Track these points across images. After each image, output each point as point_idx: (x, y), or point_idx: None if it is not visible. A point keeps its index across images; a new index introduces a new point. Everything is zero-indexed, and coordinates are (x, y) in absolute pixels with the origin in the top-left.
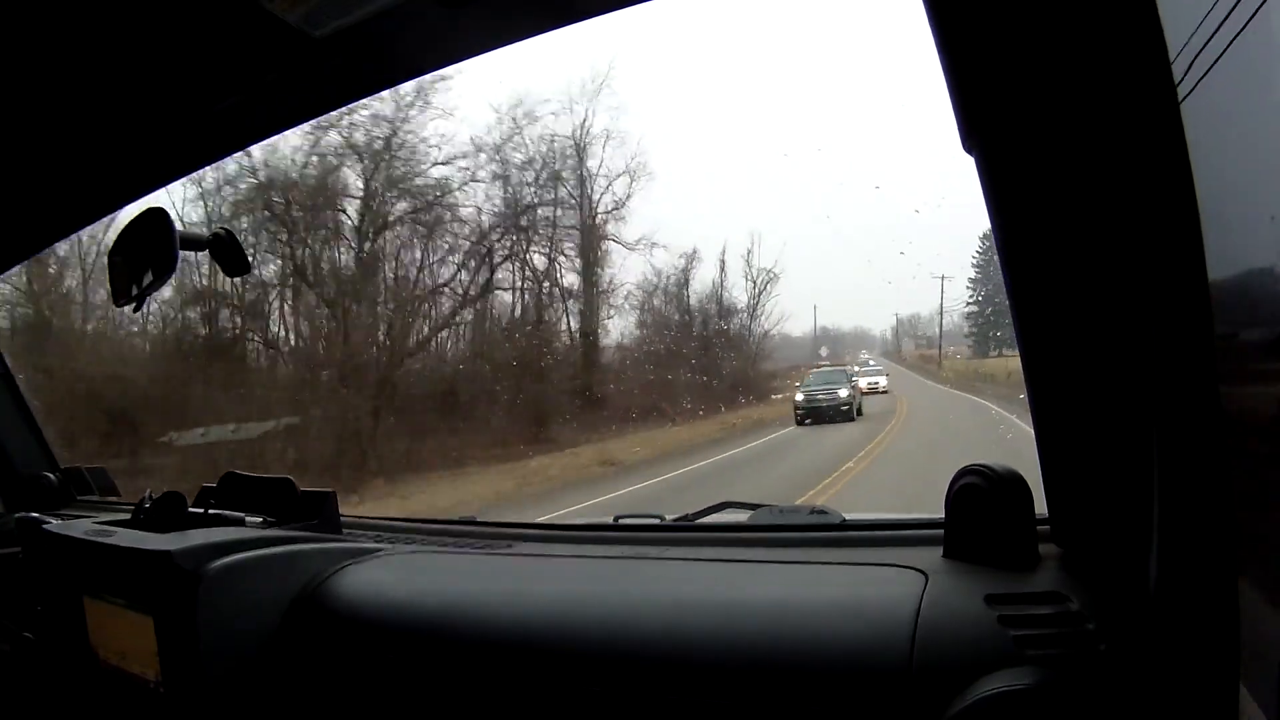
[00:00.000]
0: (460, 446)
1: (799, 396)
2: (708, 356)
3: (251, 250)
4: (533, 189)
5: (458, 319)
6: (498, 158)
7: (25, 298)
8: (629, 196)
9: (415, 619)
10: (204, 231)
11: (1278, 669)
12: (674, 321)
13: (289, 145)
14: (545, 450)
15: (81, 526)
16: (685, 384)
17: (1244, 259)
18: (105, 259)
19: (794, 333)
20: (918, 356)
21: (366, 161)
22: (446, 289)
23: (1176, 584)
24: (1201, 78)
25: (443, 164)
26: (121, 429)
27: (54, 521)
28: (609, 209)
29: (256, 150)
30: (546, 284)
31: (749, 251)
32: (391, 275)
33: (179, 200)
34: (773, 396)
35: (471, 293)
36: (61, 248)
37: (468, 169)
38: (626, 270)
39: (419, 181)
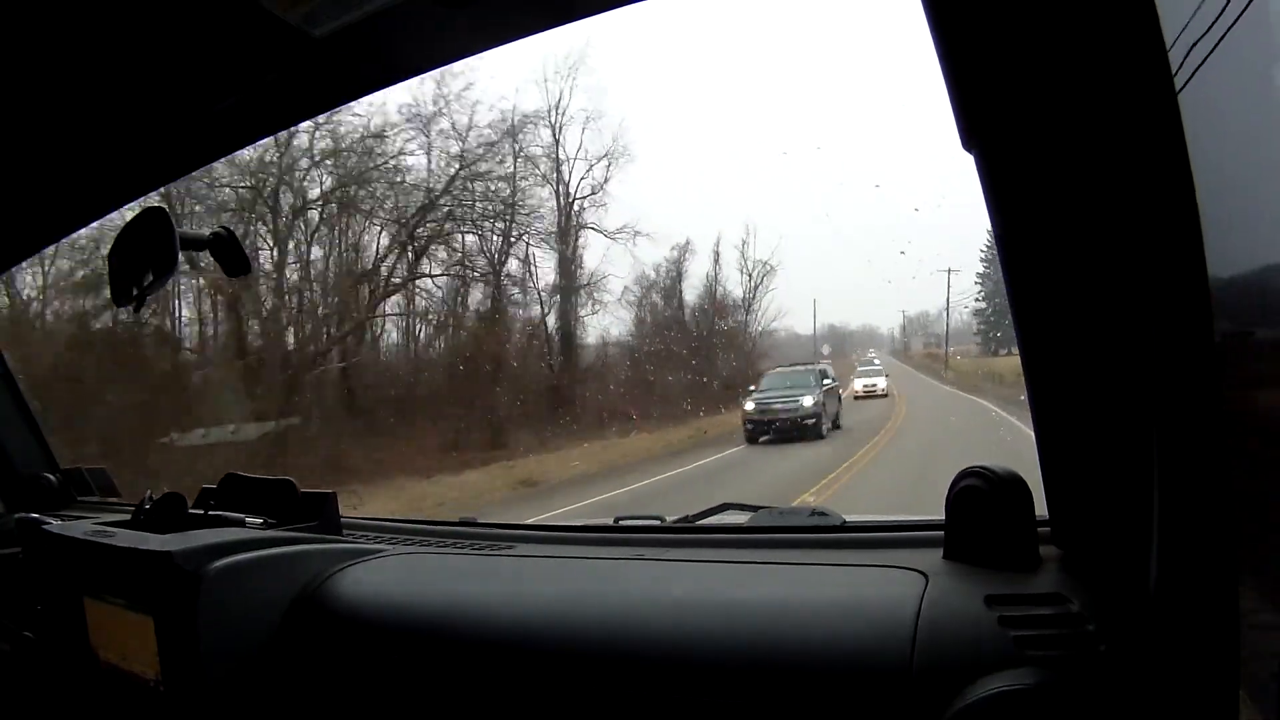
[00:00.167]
0: (403, 454)
1: (748, 405)
2: (700, 354)
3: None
4: (486, 165)
5: (379, 311)
6: (425, 130)
7: None
8: (607, 180)
9: (415, 619)
10: (204, 231)
11: (1277, 669)
12: (664, 317)
13: None
14: (486, 460)
15: (82, 527)
16: (672, 384)
17: (1245, 259)
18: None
19: (801, 330)
20: (924, 355)
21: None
22: (370, 279)
23: (1176, 585)
24: (1198, 68)
25: (373, 136)
26: None
27: (54, 522)
28: (586, 194)
29: None
30: (524, 275)
31: (744, 243)
32: (303, 262)
33: None
34: None
35: (395, 280)
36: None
37: (402, 142)
38: (611, 263)
39: (349, 158)
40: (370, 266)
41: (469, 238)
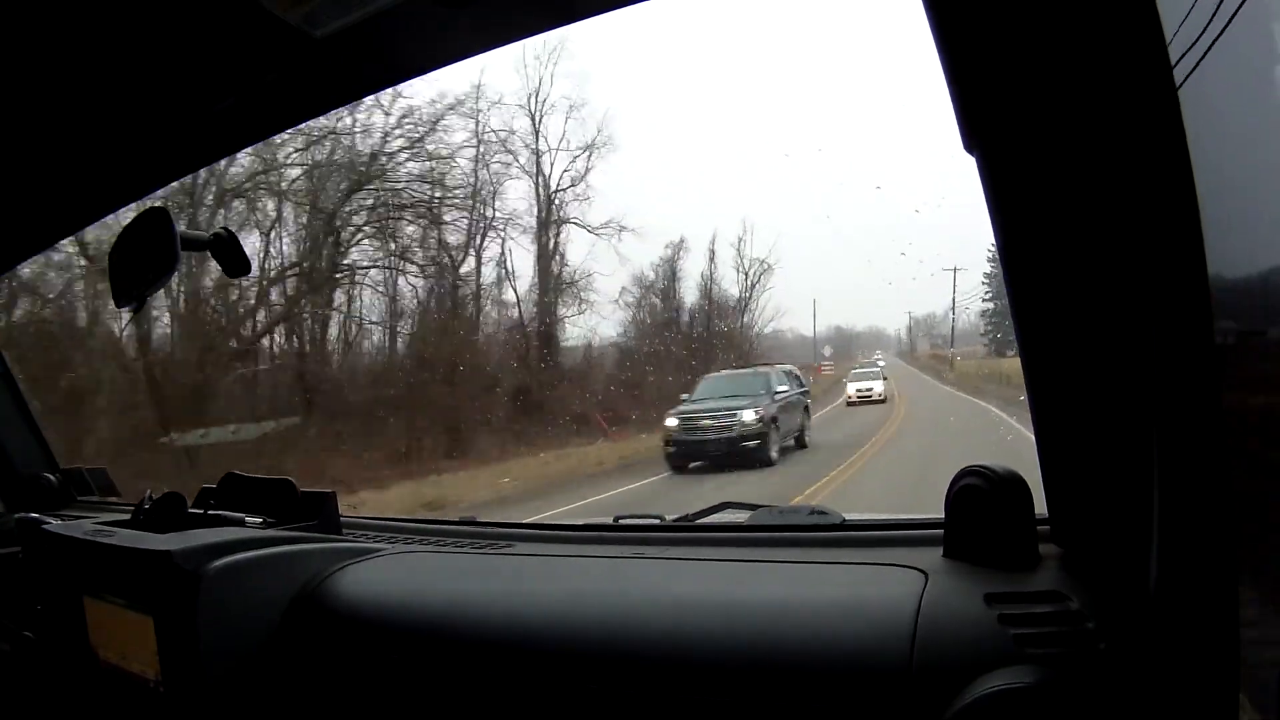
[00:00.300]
0: (342, 465)
1: (670, 421)
2: (695, 355)
3: None
4: (437, 148)
5: (301, 308)
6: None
7: None
8: (588, 171)
9: (415, 618)
10: (205, 232)
11: (1277, 669)
12: (659, 318)
13: None
14: (424, 472)
15: (81, 527)
16: (662, 386)
17: (1245, 259)
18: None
19: (807, 331)
20: (930, 356)
21: None
22: (301, 271)
23: (1176, 584)
24: (1195, 66)
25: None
26: None
27: (54, 522)
28: (566, 186)
29: None
30: (499, 272)
31: (740, 240)
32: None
33: None
34: None
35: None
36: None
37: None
38: (597, 260)
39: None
40: (297, 259)
41: (434, 231)
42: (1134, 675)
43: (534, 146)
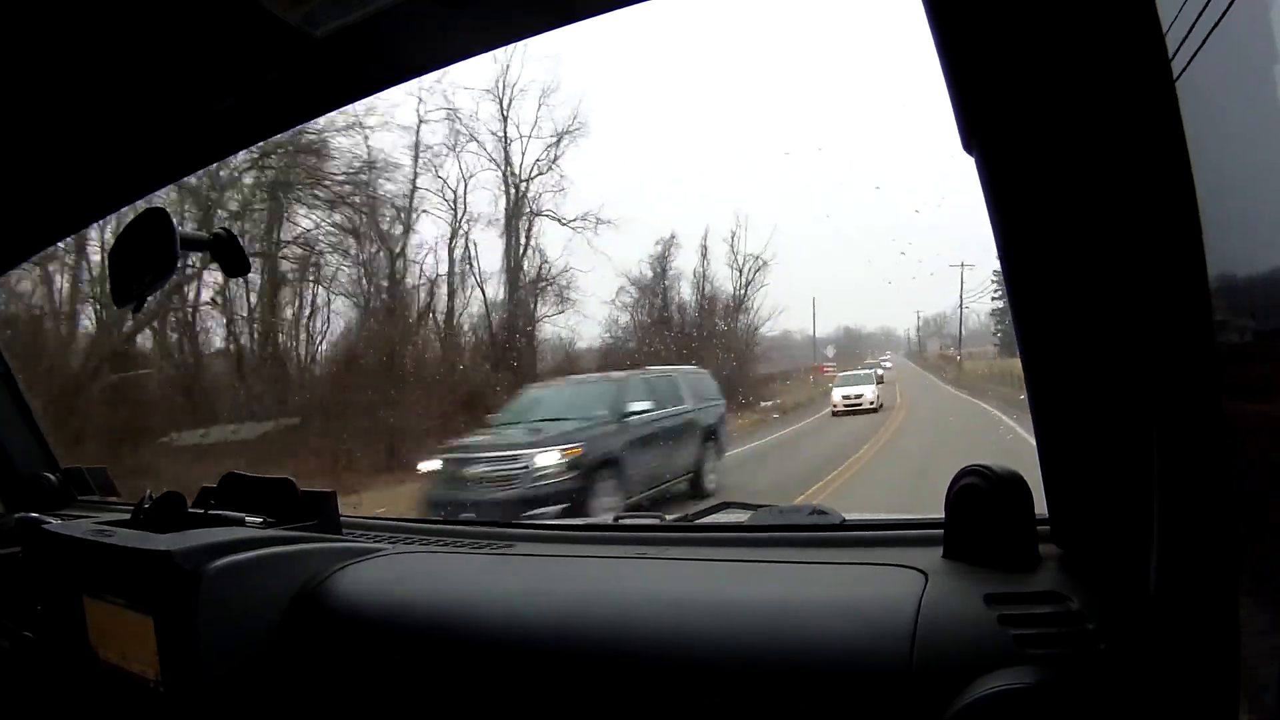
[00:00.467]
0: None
1: (431, 465)
2: (684, 356)
3: None
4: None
5: (188, 303)
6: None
7: None
8: (556, 158)
9: (415, 619)
10: (204, 232)
11: (1277, 669)
12: (653, 316)
13: None
14: (360, 486)
15: (81, 526)
16: None
17: (1245, 260)
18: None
19: (816, 333)
20: (939, 357)
21: None
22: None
23: (1176, 584)
24: (1193, 56)
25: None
26: None
27: (54, 521)
28: (534, 175)
29: None
30: (461, 267)
31: (733, 235)
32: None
33: None
34: (762, 404)
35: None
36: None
37: None
38: (576, 255)
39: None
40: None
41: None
42: (1134, 676)
43: (502, 134)
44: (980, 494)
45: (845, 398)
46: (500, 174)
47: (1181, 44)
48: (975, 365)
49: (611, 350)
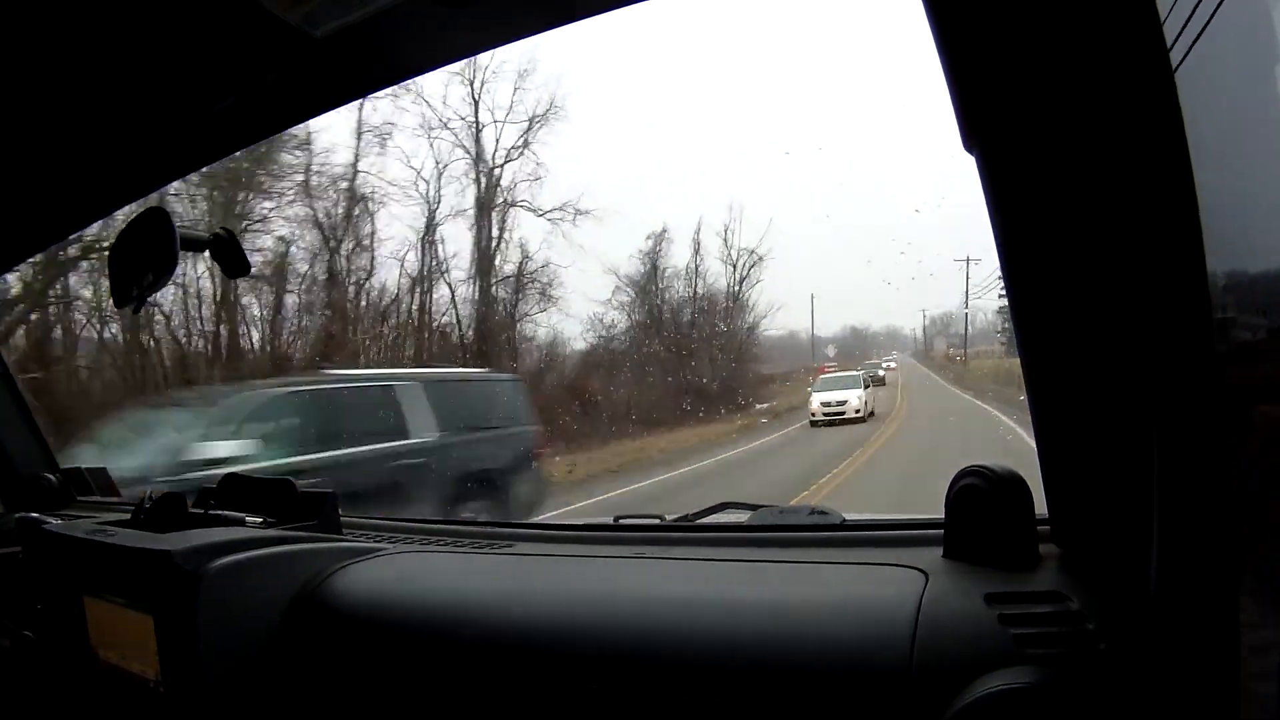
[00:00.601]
0: None
1: None
2: (669, 359)
3: None
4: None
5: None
6: None
7: None
8: (525, 144)
9: (415, 619)
10: (204, 231)
11: (1277, 669)
12: (644, 317)
13: None
14: None
15: (82, 526)
16: (624, 398)
17: (1246, 259)
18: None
19: (822, 332)
20: (945, 356)
21: None
22: None
23: (1176, 584)
24: (1186, 53)
25: None
26: None
27: (54, 521)
28: (507, 160)
29: None
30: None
31: (726, 229)
32: None
33: None
34: (757, 406)
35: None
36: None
37: None
38: (559, 250)
39: None
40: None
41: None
42: (1134, 676)
43: (473, 119)
44: (980, 494)
45: (824, 405)
46: (471, 162)
47: (1179, 35)
48: (981, 364)
49: (589, 352)
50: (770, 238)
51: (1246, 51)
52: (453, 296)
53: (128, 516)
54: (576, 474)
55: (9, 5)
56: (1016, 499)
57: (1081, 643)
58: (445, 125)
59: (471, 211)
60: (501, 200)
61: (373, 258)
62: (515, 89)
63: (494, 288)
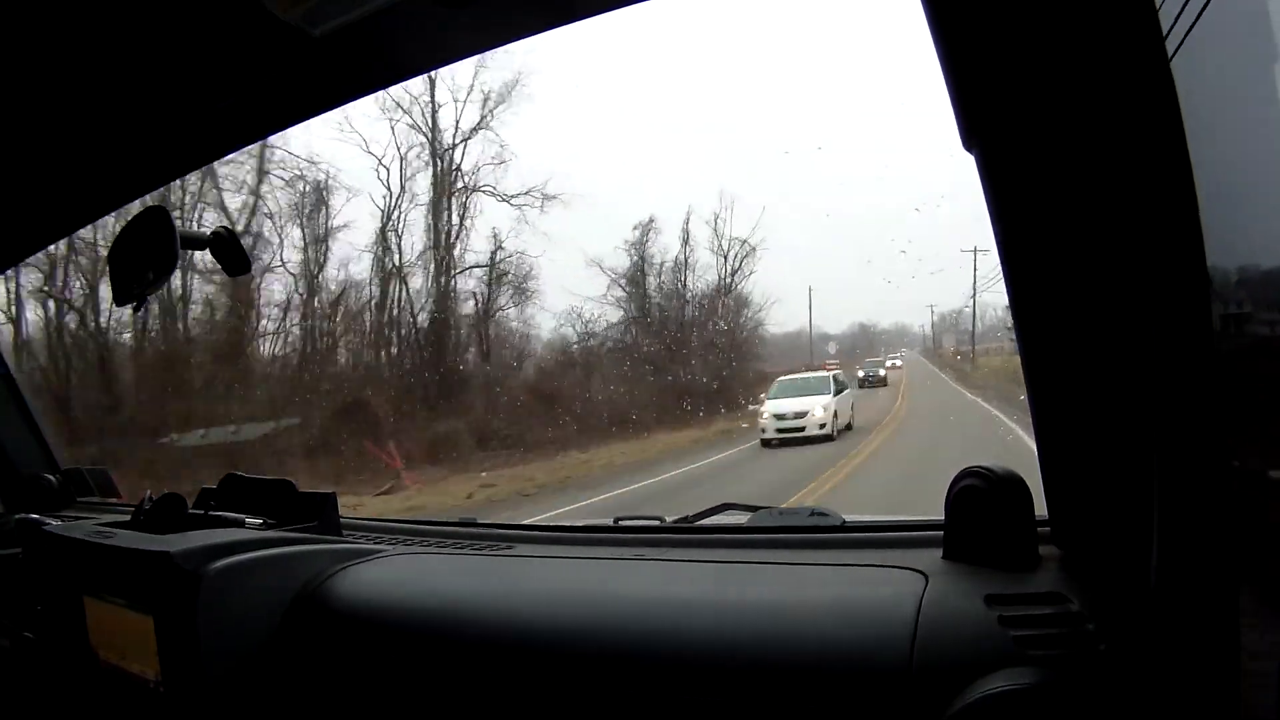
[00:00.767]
0: None
1: None
2: (661, 360)
3: None
4: None
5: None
6: None
7: None
8: (481, 122)
9: (415, 620)
10: (204, 231)
11: (1277, 669)
12: (628, 310)
13: None
14: None
15: (82, 527)
16: (604, 397)
17: (1245, 259)
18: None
19: (831, 329)
20: (953, 354)
21: None
22: None
23: (1176, 584)
24: (1178, 47)
25: None
26: None
27: (54, 522)
28: (466, 139)
29: None
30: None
31: (716, 217)
32: None
33: None
34: (750, 407)
35: None
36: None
37: None
38: (547, 241)
39: None
40: None
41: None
42: (1134, 676)
43: (429, 97)
44: (980, 495)
45: (778, 417)
46: (428, 142)
47: (1173, 25)
48: (990, 361)
49: (567, 350)
50: (769, 235)
51: (1242, 45)
52: (405, 299)
53: (128, 518)
54: (477, 498)
55: (10, 5)
56: (1016, 500)
57: (1082, 644)
58: (399, 106)
59: (428, 196)
60: (461, 185)
61: (326, 247)
62: (476, 70)
63: (453, 279)
